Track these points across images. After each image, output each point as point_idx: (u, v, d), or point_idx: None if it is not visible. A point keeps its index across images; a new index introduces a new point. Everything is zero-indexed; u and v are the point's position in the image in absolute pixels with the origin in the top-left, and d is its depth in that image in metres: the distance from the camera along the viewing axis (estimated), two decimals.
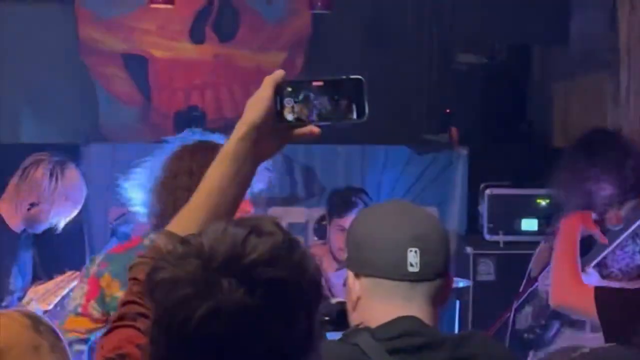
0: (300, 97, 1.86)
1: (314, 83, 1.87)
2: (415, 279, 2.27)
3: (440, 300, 2.35)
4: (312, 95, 1.86)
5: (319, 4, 5.93)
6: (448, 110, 6.24)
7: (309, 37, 6.49)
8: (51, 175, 4.32)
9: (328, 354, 1.96)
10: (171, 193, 2.91)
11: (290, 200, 5.60)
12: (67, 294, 3.78)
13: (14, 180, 4.34)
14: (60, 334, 2.22)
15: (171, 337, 1.55)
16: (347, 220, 4.21)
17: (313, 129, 1.86)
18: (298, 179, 5.72)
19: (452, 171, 6.02)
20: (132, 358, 1.82)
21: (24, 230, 4.35)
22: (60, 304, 3.91)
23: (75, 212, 4.38)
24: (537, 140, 6.44)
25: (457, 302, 5.39)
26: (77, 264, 3.98)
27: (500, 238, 5.55)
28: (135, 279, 1.89)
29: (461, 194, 6.00)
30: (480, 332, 2.59)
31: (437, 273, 2.30)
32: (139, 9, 6.12)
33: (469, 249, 5.64)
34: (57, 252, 4.44)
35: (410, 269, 2.26)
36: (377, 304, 2.31)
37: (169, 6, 5.83)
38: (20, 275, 4.18)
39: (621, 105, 5.46)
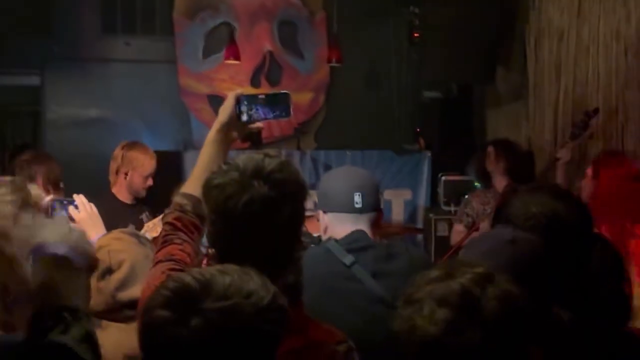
0: (251, 105, 1.91)
1: (260, 96, 1.94)
2: (359, 211, 2.37)
3: (376, 225, 2.42)
4: (259, 103, 1.92)
5: (334, 59, 6.13)
6: (418, 129, 6.38)
7: (327, 82, 6.54)
8: (122, 148, 4.26)
9: (309, 253, 2.26)
10: None
11: (314, 185, 5.50)
12: None
13: (112, 170, 4.23)
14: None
15: (225, 218, 1.64)
16: None
17: (259, 124, 1.93)
18: (320, 172, 5.66)
19: (420, 166, 6.10)
20: (178, 259, 1.79)
21: (135, 200, 4.27)
22: None
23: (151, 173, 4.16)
24: (475, 147, 6.03)
25: (424, 249, 5.50)
26: None
27: (451, 207, 5.61)
28: (167, 222, 1.88)
29: (426, 181, 6.08)
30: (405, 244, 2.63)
31: (373, 208, 2.40)
32: (218, 65, 6.28)
33: (431, 215, 5.75)
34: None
35: (356, 206, 2.36)
36: (337, 229, 2.39)
37: (237, 62, 6.05)
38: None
39: (530, 123, 5.66)
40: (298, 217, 1.69)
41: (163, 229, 1.88)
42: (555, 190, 2.10)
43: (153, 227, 3.60)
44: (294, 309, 1.61)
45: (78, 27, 6.17)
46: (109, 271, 2.08)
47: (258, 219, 1.61)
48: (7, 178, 2.06)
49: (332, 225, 2.40)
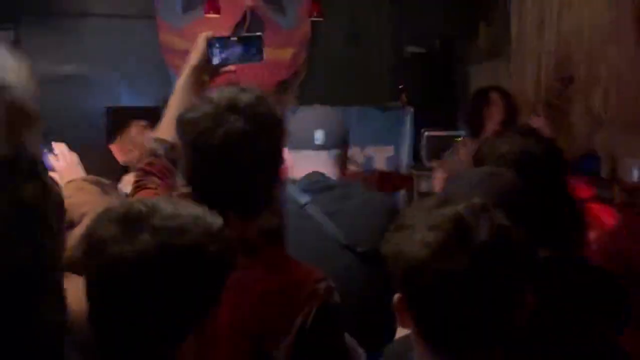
0: (223, 48, 1.88)
1: (231, 38, 1.91)
2: (319, 148, 2.34)
3: (340, 165, 2.40)
4: (230, 46, 1.89)
5: (315, 14, 6.03)
6: (401, 86, 6.35)
7: (309, 38, 6.46)
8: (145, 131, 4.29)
9: None
10: None
11: None
12: None
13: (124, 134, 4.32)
14: (118, 187, 2.25)
15: (201, 152, 1.60)
16: None
17: (231, 67, 1.90)
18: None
19: (403, 122, 6.13)
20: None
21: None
22: None
23: None
24: (457, 103, 6.41)
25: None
26: None
27: (434, 164, 5.41)
28: (140, 169, 1.88)
29: (409, 136, 6.11)
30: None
31: (334, 144, 2.36)
32: (198, 20, 6.08)
33: (414, 171, 5.80)
34: None
35: (317, 142, 2.33)
36: (299, 167, 2.35)
37: (217, 16, 5.89)
38: None
39: (513, 79, 5.58)
40: (276, 152, 1.65)
41: (136, 175, 1.87)
42: (523, 130, 2.13)
43: (129, 181, 3.57)
44: (274, 248, 1.63)
45: None
46: (71, 225, 1.98)
47: (234, 154, 1.58)
48: None
49: (295, 165, 2.37)
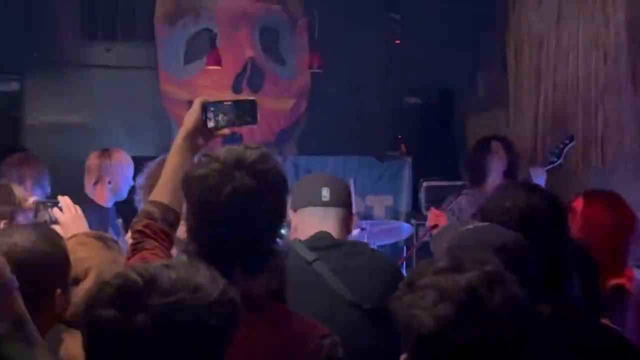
0: (217, 112, 1.88)
1: (226, 103, 1.90)
2: (326, 204, 2.35)
3: (345, 226, 2.39)
4: (225, 110, 1.89)
5: (315, 65, 6.15)
6: (400, 136, 6.37)
7: (309, 88, 6.48)
8: (99, 157, 4.19)
9: None
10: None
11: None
12: None
13: (85, 176, 4.18)
14: (120, 243, 2.21)
15: (207, 210, 1.61)
16: None
17: (225, 131, 1.90)
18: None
19: (402, 172, 6.15)
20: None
21: (115, 203, 4.22)
22: None
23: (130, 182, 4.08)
24: (456, 153, 6.39)
25: (405, 249, 5.44)
26: None
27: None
28: (136, 230, 1.84)
29: (408, 187, 6.11)
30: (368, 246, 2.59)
31: (340, 204, 2.38)
32: (199, 71, 6.19)
33: (413, 220, 5.75)
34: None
35: (324, 199, 2.35)
36: (305, 226, 2.35)
37: (218, 67, 6.00)
38: (115, 235, 3.70)
39: (510, 129, 5.63)
40: (280, 208, 1.67)
41: (132, 237, 1.85)
42: (528, 185, 2.15)
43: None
44: (278, 305, 1.63)
45: (58, 32, 6.14)
46: (76, 281, 1.98)
47: (241, 210, 1.60)
48: None
49: (300, 224, 2.38)
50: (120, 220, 4.18)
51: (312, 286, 2.20)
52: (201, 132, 1.88)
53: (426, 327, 1.24)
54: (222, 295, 1.26)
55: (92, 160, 4.27)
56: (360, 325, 2.19)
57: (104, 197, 4.24)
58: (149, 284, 1.24)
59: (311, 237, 2.33)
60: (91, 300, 1.27)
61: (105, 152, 4.30)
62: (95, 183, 4.23)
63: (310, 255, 2.26)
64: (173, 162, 1.88)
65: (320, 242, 2.31)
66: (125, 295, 1.23)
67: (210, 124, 1.89)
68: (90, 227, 2.63)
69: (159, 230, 1.83)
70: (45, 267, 1.80)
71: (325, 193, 2.36)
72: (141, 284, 1.24)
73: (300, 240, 2.33)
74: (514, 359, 1.26)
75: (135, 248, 1.82)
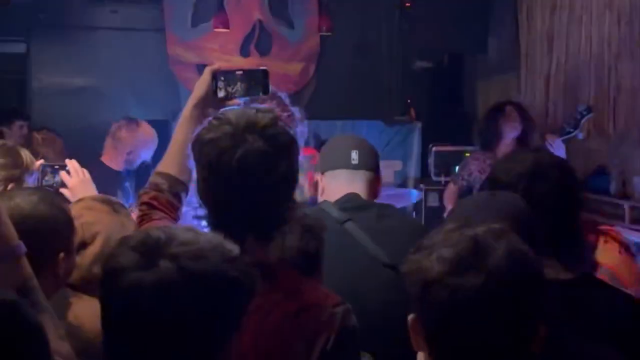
0: (228, 81, 1.85)
1: (237, 72, 1.87)
2: (355, 167, 2.36)
3: (373, 189, 2.39)
4: (236, 80, 1.85)
5: (324, 28, 6.07)
6: (408, 100, 6.35)
7: (318, 52, 6.42)
8: (127, 130, 4.22)
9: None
10: None
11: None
12: None
13: (108, 141, 4.24)
14: (126, 205, 2.20)
15: (218, 174, 1.58)
16: None
17: (235, 101, 1.85)
18: (310, 142, 5.06)
19: (411, 137, 6.15)
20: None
21: (125, 169, 4.24)
22: None
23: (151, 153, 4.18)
24: (466, 118, 6.41)
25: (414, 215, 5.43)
26: None
27: (442, 179, 5.60)
28: (143, 202, 1.83)
29: (417, 152, 6.12)
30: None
31: (368, 167, 2.38)
32: (207, 34, 6.14)
33: (422, 186, 5.76)
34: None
35: (353, 162, 2.35)
36: (333, 188, 2.37)
37: (226, 30, 5.95)
38: (124, 198, 3.89)
39: (522, 94, 5.61)
40: (292, 172, 1.64)
41: (139, 209, 1.83)
42: (536, 149, 2.14)
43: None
44: (291, 272, 1.60)
45: None
46: (83, 245, 1.97)
47: (253, 174, 1.56)
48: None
49: (328, 186, 2.39)
50: (129, 184, 4.25)
51: (345, 246, 2.20)
52: (211, 102, 1.85)
53: (431, 273, 1.23)
54: (239, 257, 1.26)
55: (122, 132, 4.26)
56: (394, 287, 2.13)
57: (118, 163, 4.25)
58: (169, 237, 1.23)
59: (341, 198, 2.33)
60: (112, 250, 1.25)
61: (134, 124, 4.30)
62: (114, 149, 4.25)
63: (342, 216, 2.26)
64: (181, 132, 1.84)
65: (350, 204, 2.31)
66: (147, 244, 1.21)
67: (221, 94, 1.85)
68: (99, 189, 2.61)
69: (166, 202, 1.81)
70: (47, 230, 1.77)
71: (355, 156, 2.36)
72: (162, 237, 1.22)
73: (329, 202, 2.33)
74: (518, 317, 1.23)
75: (143, 219, 1.80)
